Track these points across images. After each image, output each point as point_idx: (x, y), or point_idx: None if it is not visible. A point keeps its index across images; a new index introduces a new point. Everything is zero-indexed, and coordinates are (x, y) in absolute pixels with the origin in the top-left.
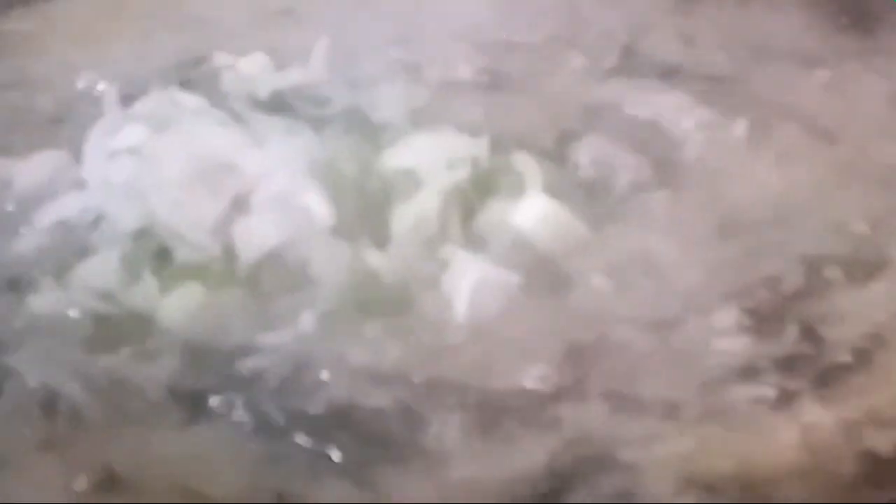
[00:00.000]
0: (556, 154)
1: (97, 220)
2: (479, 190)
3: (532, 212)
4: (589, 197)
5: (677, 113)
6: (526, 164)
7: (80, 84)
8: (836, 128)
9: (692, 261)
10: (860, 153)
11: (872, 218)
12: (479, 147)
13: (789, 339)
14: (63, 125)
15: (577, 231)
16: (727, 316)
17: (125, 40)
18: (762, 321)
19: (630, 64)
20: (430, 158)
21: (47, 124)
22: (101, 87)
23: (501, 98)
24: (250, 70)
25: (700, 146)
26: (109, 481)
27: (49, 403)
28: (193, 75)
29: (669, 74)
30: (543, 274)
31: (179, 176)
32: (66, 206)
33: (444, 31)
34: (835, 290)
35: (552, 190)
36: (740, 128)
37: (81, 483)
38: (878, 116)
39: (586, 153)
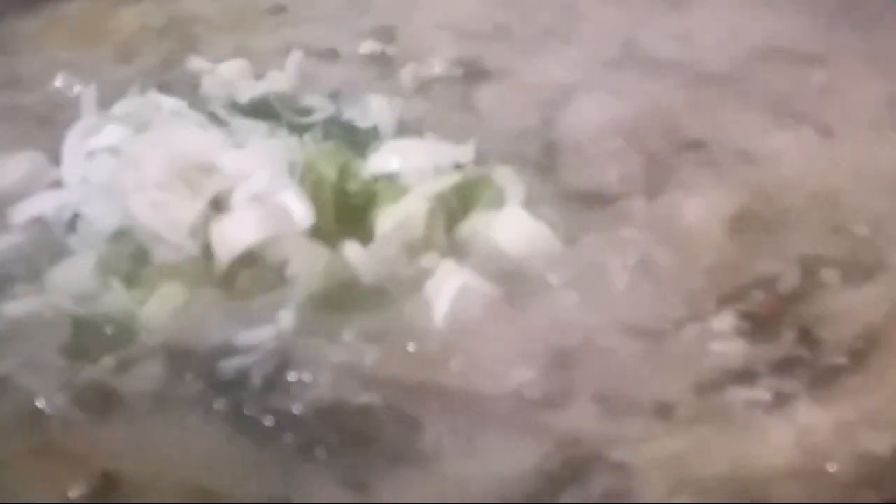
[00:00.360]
0: (542, 156)
1: (74, 221)
2: (462, 196)
3: (514, 223)
4: (579, 200)
5: (670, 111)
6: (506, 174)
7: (66, 85)
8: (839, 128)
9: (693, 263)
10: (865, 154)
11: (874, 221)
12: (463, 153)
13: (785, 341)
14: (47, 126)
15: (558, 240)
16: (723, 319)
17: (115, 42)
18: (758, 324)
19: (626, 60)
20: (414, 163)
21: (31, 124)
22: (81, 88)
23: (489, 94)
24: (230, 75)
25: (697, 147)
26: (104, 487)
27: (36, 410)
28: (174, 79)
29: (665, 71)
30: (526, 282)
31: (158, 176)
32: (44, 206)
33: (433, 24)
34: (831, 292)
35: (537, 195)
36: (739, 128)
37: (77, 489)
38: (880, 117)
39: (575, 154)
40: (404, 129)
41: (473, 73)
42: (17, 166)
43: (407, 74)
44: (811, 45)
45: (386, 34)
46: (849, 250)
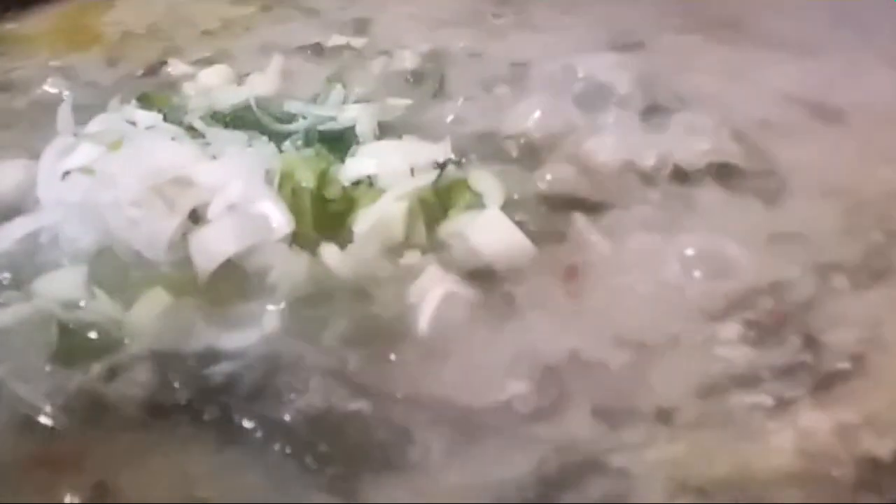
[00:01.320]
0: (522, 154)
1: (54, 241)
2: (441, 197)
3: (494, 227)
4: (562, 201)
5: (666, 106)
6: (485, 177)
7: (56, 89)
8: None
9: (695, 266)
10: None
11: (890, 225)
12: (440, 152)
13: (789, 346)
14: (38, 130)
15: (540, 245)
16: (729, 326)
17: (103, 46)
18: (763, 331)
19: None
20: (391, 165)
21: (23, 128)
22: (69, 93)
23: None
24: (211, 81)
25: (703, 141)
26: (98, 495)
27: (28, 418)
28: (156, 84)
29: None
30: (513, 287)
31: (134, 193)
32: (22, 230)
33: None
34: (838, 297)
35: (516, 195)
36: (739, 127)
37: (72, 498)
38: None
39: (557, 153)
40: (384, 130)
41: (448, 64)
42: (10, 175)
43: (379, 67)
44: (816, 40)
45: (362, 27)
46: (860, 255)
